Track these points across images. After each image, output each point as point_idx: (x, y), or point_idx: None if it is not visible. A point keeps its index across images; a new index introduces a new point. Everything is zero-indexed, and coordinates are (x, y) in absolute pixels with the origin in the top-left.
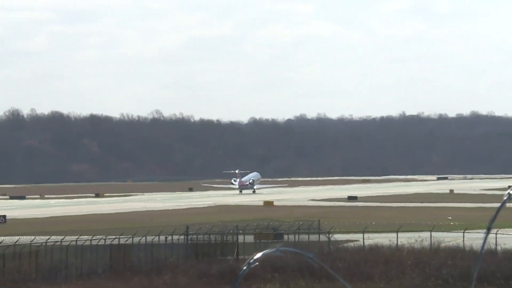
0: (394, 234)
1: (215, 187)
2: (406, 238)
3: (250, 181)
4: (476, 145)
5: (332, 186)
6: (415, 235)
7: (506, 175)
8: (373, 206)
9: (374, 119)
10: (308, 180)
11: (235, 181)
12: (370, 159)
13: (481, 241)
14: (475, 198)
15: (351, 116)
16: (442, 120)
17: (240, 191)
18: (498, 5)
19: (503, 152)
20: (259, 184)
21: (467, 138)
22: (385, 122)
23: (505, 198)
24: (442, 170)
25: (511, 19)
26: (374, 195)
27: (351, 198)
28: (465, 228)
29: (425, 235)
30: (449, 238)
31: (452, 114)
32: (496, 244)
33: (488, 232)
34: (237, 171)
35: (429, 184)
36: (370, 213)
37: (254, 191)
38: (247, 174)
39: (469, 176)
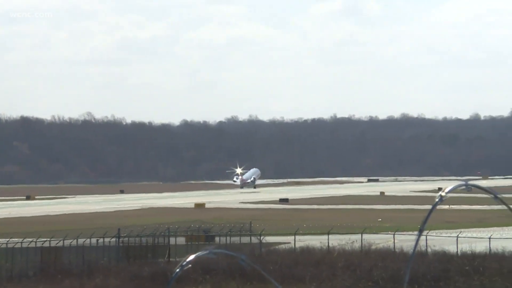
0: (325, 236)
1: (218, 183)
2: (337, 240)
3: (252, 178)
4: (406, 147)
5: (263, 188)
6: (346, 237)
7: (435, 177)
8: (304, 208)
9: (305, 121)
10: None
11: (237, 178)
12: (301, 161)
13: (411, 243)
14: (405, 200)
15: (283, 118)
16: (373, 123)
17: (241, 187)
18: (428, 7)
19: (433, 154)
20: (259, 179)
21: (397, 140)
22: (317, 124)
23: (437, 200)
24: (373, 172)
25: (442, 22)
26: (306, 197)
27: (283, 200)
28: (396, 230)
29: (356, 237)
30: (380, 240)
31: (383, 116)
32: (426, 246)
33: (420, 234)
34: (238, 171)
35: (360, 186)
36: (301, 215)
37: (255, 187)
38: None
39: (399, 178)
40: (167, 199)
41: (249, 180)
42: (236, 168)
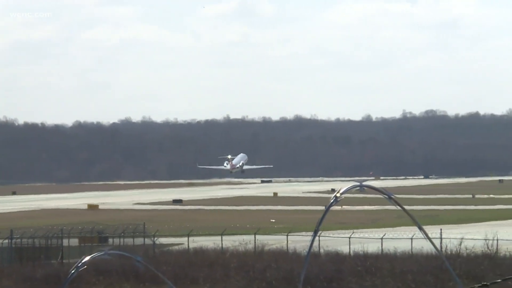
0: (219, 237)
1: (210, 168)
2: (230, 241)
3: (240, 163)
4: (299, 148)
5: (157, 189)
6: (240, 238)
7: (328, 178)
8: (198, 209)
9: (199, 122)
10: (133, 184)
11: (227, 164)
12: (195, 162)
13: (304, 244)
14: (298, 201)
15: (176, 119)
16: (266, 124)
17: (231, 172)
18: (320, 9)
19: (325, 155)
20: (247, 164)
21: (291, 141)
22: (210, 125)
23: (332, 201)
24: (266, 173)
25: (333, 23)
26: (199, 198)
27: (176, 202)
28: (289, 231)
29: (249, 238)
30: (273, 241)
31: (276, 117)
32: (319, 247)
33: (315, 235)
34: (229, 156)
35: (253, 187)
36: (195, 216)
37: (243, 171)
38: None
39: (292, 179)
40: (60, 200)
41: (238, 165)
42: (228, 155)
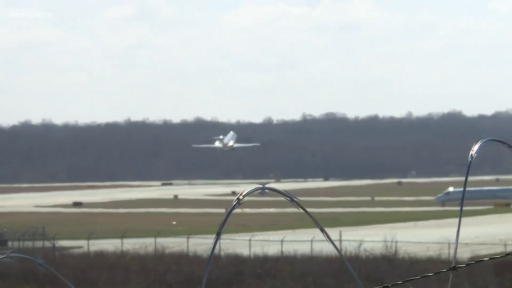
0: (119, 240)
1: (202, 147)
2: (131, 244)
3: (231, 142)
4: (200, 150)
5: (57, 192)
6: (140, 241)
7: (229, 180)
8: (98, 212)
9: (99, 125)
10: (33, 187)
11: (219, 143)
12: (95, 164)
13: (205, 247)
14: (199, 203)
15: (76, 121)
16: (167, 126)
17: (223, 150)
18: (222, 12)
19: (226, 158)
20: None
21: (191, 144)
22: (110, 128)
23: (234, 204)
24: (167, 175)
25: (234, 26)
26: (100, 201)
27: (77, 204)
28: (189, 233)
29: (150, 241)
30: (173, 244)
31: (176, 119)
32: (219, 249)
33: (218, 237)
34: (221, 137)
35: (154, 190)
36: (95, 219)
37: (233, 149)
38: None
39: (193, 181)
40: None
41: (229, 144)
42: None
